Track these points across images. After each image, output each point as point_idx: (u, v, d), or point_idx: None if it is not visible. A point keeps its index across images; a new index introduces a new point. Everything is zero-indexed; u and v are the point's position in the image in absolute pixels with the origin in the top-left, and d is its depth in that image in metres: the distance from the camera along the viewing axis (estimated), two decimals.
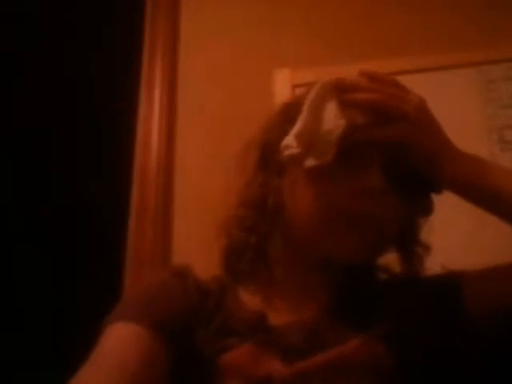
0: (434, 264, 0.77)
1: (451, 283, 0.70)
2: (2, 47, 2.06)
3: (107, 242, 1.71)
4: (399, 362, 0.62)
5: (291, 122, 0.69)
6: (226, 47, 1.42)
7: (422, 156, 0.67)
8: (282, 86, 1.29)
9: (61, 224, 2.36)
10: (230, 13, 1.46)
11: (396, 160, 0.68)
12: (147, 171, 1.31)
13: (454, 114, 1.19)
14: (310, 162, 0.67)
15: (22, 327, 2.25)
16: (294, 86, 1.26)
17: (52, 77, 2.20)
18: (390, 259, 0.77)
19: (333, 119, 0.65)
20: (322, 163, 0.66)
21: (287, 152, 0.69)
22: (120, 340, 0.63)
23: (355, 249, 0.68)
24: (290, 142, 0.68)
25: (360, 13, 1.38)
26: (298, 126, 0.67)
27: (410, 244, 0.76)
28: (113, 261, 1.36)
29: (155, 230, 1.25)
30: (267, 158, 0.76)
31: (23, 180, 2.34)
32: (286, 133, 0.70)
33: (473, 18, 1.30)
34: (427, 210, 0.75)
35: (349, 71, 0.70)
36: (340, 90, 0.66)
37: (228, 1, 1.48)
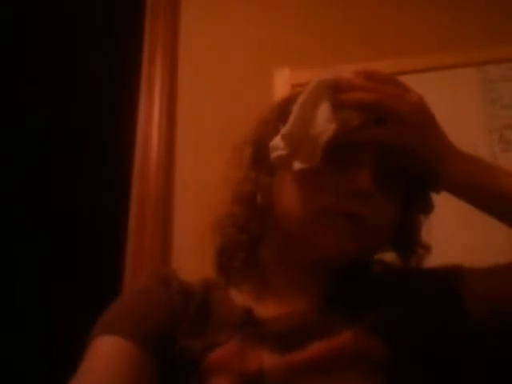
0: (430, 264, 0.76)
1: (451, 278, 0.69)
2: (1, 47, 2.07)
3: (107, 242, 1.71)
4: (393, 354, 0.62)
5: (285, 120, 0.68)
6: (225, 47, 1.42)
7: (420, 157, 0.66)
8: (282, 86, 1.29)
9: (61, 224, 2.36)
10: (230, 13, 1.46)
11: (391, 160, 0.67)
12: (147, 170, 1.31)
13: (454, 114, 1.19)
14: (296, 165, 0.66)
15: (22, 328, 2.25)
16: (294, 86, 1.26)
17: (52, 77, 2.21)
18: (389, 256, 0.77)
19: (323, 122, 0.63)
20: (309, 167, 0.65)
21: (274, 153, 0.68)
22: (106, 355, 0.63)
23: (343, 249, 0.67)
24: (278, 144, 0.67)
25: (360, 13, 1.38)
26: (286, 127, 0.66)
27: (409, 244, 0.75)
28: (113, 260, 1.36)
29: (155, 229, 1.25)
30: (259, 155, 0.75)
31: (24, 180, 2.34)
32: (278, 131, 0.68)
33: (473, 18, 1.30)
34: (426, 208, 0.74)
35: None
36: (335, 90, 0.65)
37: (228, 1, 1.48)
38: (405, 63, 1.26)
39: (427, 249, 0.76)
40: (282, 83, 1.30)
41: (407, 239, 0.75)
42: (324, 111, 0.64)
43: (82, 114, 2.28)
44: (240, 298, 0.73)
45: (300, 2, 1.43)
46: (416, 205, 0.74)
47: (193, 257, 1.14)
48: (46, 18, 2.06)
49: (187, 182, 1.30)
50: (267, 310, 0.69)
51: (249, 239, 0.73)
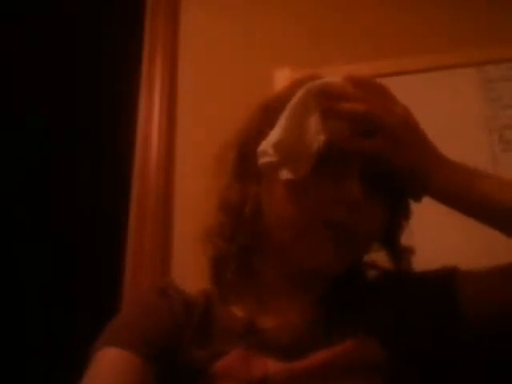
0: (427, 265, 0.76)
1: (447, 281, 0.70)
2: (1, 47, 2.07)
3: (107, 242, 1.71)
4: (391, 357, 0.62)
5: (270, 123, 0.68)
6: (226, 47, 1.42)
7: (408, 168, 0.66)
8: (282, 86, 1.29)
9: (61, 224, 2.36)
10: (231, 13, 1.46)
11: (379, 169, 0.67)
12: (147, 170, 1.31)
13: (454, 114, 1.19)
14: (285, 175, 0.65)
15: (22, 329, 2.25)
16: None
17: (52, 77, 2.21)
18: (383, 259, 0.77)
19: (313, 132, 0.63)
20: (297, 177, 0.65)
21: (263, 159, 0.67)
22: (110, 367, 0.63)
23: (335, 259, 0.68)
24: (267, 149, 0.66)
25: (360, 13, 1.38)
26: (276, 134, 0.65)
27: (394, 247, 0.76)
28: (113, 260, 1.36)
29: (155, 229, 1.25)
30: (245, 161, 0.74)
31: (24, 180, 2.34)
32: (264, 135, 0.68)
33: (473, 17, 1.30)
34: (408, 213, 0.75)
35: (349, 72, 0.69)
36: (324, 97, 0.64)
37: (228, 1, 1.48)
38: (405, 63, 1.26)
39: (411, 251, 0.76)
40: (281, 83, 1.30)
41: (393, 243, 0.76)
42: (313, 121, 0.63)
43: (81, 114, 2.28)
44: (239, 308, 0.73)
45: (300, 2, 1.43)
46: (401, 210, 0.74)
47: (193, 257, 1.14)
48: (45, 18, 2.06)
49: (187, 181, 1.30)
50: (266, 319, 0.70)
51: (239, 251, 0.73)
